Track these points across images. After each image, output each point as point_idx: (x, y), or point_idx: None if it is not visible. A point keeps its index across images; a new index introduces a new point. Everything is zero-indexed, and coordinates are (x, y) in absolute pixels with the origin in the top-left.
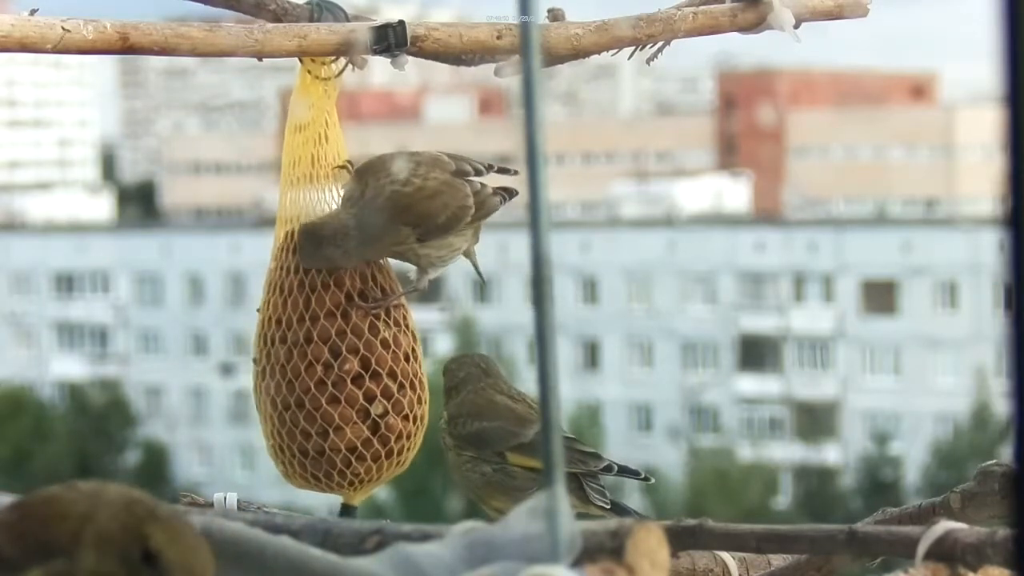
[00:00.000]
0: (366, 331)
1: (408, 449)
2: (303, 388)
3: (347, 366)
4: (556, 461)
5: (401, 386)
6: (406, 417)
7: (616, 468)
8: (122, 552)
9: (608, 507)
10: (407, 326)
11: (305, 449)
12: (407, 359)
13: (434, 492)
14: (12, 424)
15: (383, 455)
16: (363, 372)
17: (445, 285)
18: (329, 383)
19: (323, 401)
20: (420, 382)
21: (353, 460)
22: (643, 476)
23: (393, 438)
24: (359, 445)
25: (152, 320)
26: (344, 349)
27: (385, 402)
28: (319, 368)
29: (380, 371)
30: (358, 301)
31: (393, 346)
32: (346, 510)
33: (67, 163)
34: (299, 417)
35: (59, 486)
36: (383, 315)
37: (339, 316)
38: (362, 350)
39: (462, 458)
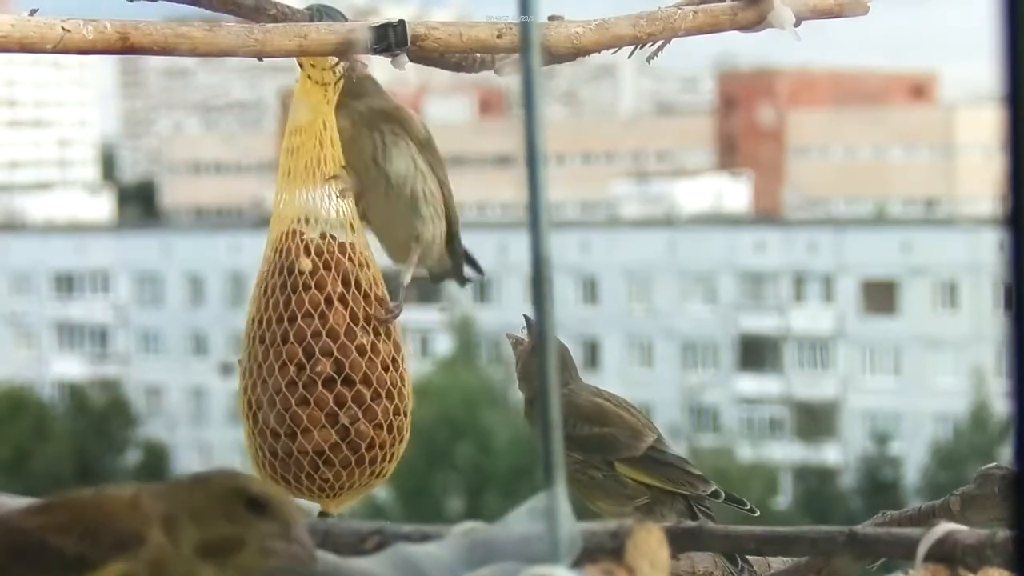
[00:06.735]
0: (342, 335)
1: (383, 460)
2: (275, 387)
3: (319, 368)
4: (556, 461)
5: (376, 394)
6: (379, 425)
7: (723, 496)
8: (225, 514)
9: None
10: (388, 335)
11: (275, 450)
12: (385, 368)
13: (434, 492)
14: (12, 424)
15: (353, 462)
16: (335, 376)
17: (445, 285)
18: (300, 384)
19: (292, 402)
20: (399, 392)
21: (321, 464)
22: (749, 508)
23: (364, 445)
24: (327, 450)
25: (152, 320)
26: (317, 351)
27: (356, 408)
28: (292, 368)
29: (353, 376)
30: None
31: (370, 353)
32: (323, 517)
33: (67, 163)
34: (269, 417)
35: (91, 489)
36: (362, 321)
37: (316, 318)
38: (336, 354)
39: (568, 459)
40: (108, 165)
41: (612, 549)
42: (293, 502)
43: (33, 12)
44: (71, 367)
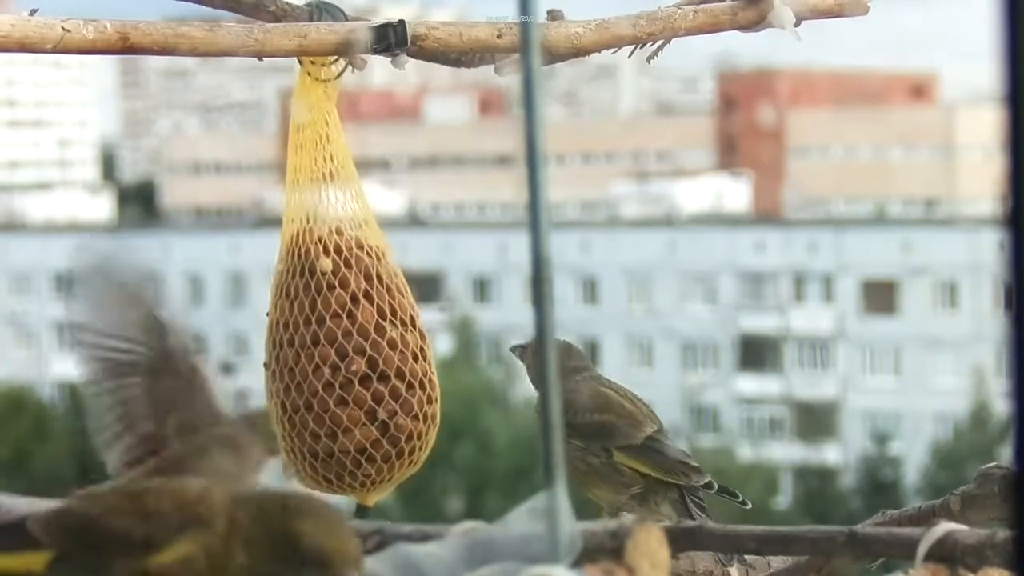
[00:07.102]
0: (372, 332)
1: (420, 448)
2: (311, 391)
3: (354, 367)
4: (556, 461)
5: (410, 386)
6: (415, 417)
7: (716, 487)
8: (280, 555)
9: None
10: (414, 325)
11: (315, 452)
12: (415, 359)
13: (434, 492)
14: (12, 424)
15: (393, 456)
16: (370, 373)
17: (445, 285)
18: (336, 385)
19: (331, 403)
20: (429, 381)
21: (363, 461)
22: (741, 500)
23: (403, 438)
24: (368, 446)
25: None
26: (351, 350)
27: (393, 403)
28: (326, 370)
29: (388, 372)
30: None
31: (400, 346)
32: (361, 511)
33: (67, 163)
34: (308, 420)
35: (157, 479)
36: (389, 315)
37: (345, 317)
38: (369, 351)
39: (569, 446)
40: (108, 165)
41: (612, 549)
42: (349, 542)
43: (33, 12)
44: (71, 367)
